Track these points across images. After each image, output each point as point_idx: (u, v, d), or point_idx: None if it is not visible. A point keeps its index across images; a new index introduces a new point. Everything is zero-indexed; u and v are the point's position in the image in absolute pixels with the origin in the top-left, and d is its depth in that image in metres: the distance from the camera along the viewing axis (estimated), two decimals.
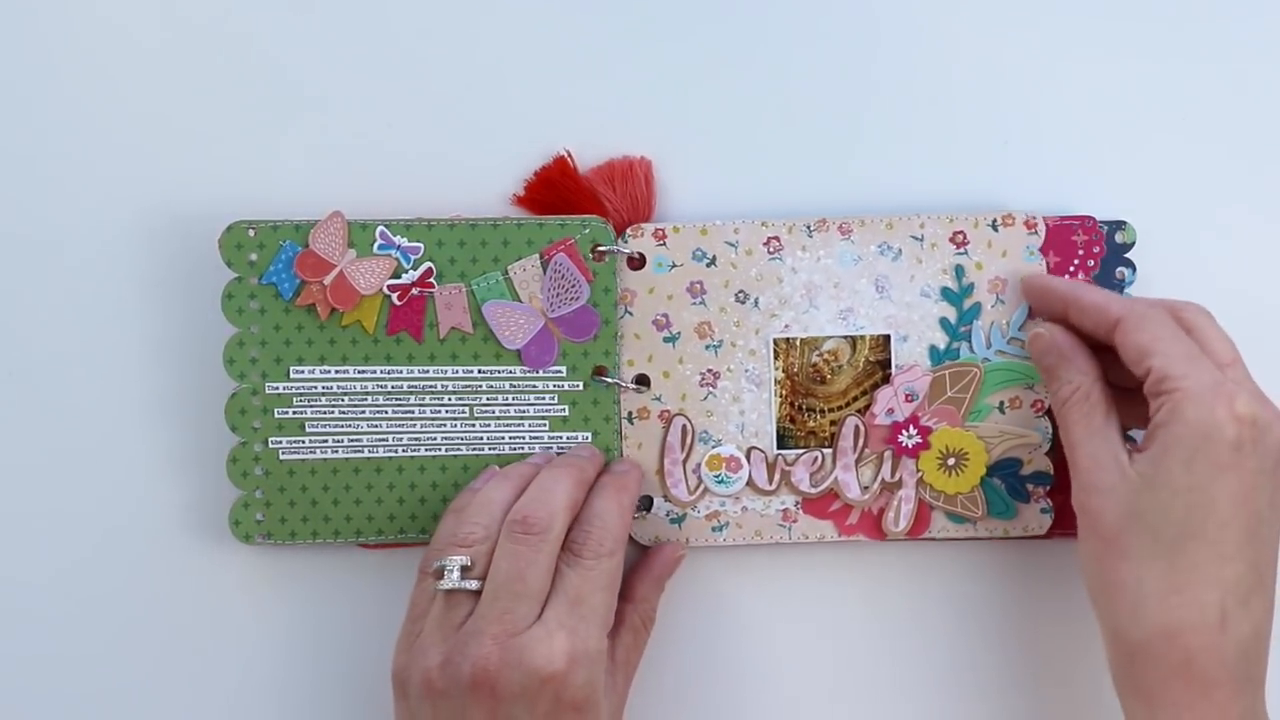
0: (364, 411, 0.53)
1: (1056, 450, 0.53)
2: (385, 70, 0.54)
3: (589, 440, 0.54)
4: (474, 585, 0.47)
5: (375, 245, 0.52)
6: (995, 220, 0.53)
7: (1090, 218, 0.53)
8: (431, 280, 0.53)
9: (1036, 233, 0.53)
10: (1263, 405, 0.46)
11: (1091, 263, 0.53)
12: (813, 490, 0.53)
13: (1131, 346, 0.47)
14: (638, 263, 0.53)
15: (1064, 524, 0.53)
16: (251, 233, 0.52)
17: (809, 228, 0.53)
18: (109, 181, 0.54)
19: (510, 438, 0.54)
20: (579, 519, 0.49)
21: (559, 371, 0.53)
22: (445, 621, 0.47)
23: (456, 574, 0.48)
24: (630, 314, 0.53)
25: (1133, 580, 0.45)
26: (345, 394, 0.53)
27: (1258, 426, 0.45)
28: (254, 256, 0.52)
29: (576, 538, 0.49)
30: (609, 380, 0.53)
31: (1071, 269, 0.53)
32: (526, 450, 0.54)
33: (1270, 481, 0.46)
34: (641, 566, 0.53)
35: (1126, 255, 0.54)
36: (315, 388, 0.53)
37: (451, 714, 0.46)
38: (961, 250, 0.53)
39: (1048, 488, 0.53)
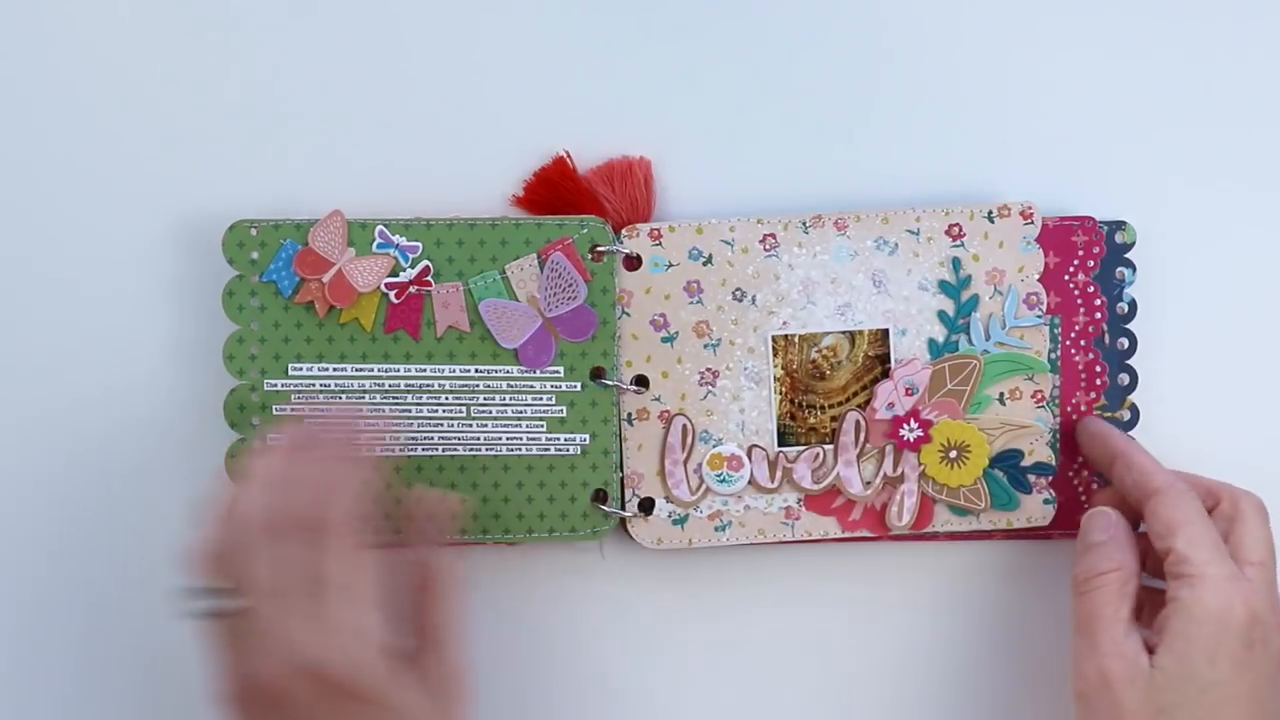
0: (361, 410, 0.53)
1: (1059, 441, 0.52)
2: (386, 72, 0.55)
3: (586, 442, 0.53)
4: (237, 603, 0.45)
5: (374, 244, 0.53)
6: (991, 211, 0.53)
7: (1090, 218, 0.54)
8: (429, 279, 0.53)
9: (1033, 223, 0.53)
10: (1272, 610, 0.47)
11: (1091, 263, 0.53)
12: (815, 487, 0.53)
13: (1161, 520, 0.48)
14: (634, 263, 0.53)
15: (1065, 523, 0.53)
16: (253, 231, 0.53)
17: (804, 224, 0.53)
18: (113, 182, 0.54)
19: (508, 438, 0.53)
20: (321, 501, 0.46)
21: (556, 372, 0.53)
22: (225, 638, 0.46)
23: (216, 599, 0.45)
24: (627, 314, 0.53)
25: None
26: (343, 391, 0.53)
27: (1265, 628, 0.46)
28: (255, 255, 0.53)
29: (310, 522, 0.46)
30: (608, 383, 0.53)
31: (1071, 269, 0.53)
32: (524, 452, 0.53)
33: (1270, 687, 0.47)
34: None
35: (1127, 255, 0.54)
36: (313, 385, 0.53)
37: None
38: (958, 243, 0.53)
39: (1050, 478, 0.52)
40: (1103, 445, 0.52)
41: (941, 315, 0.53)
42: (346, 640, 0.45)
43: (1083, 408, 0.53)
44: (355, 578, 0.46)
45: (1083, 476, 0.53)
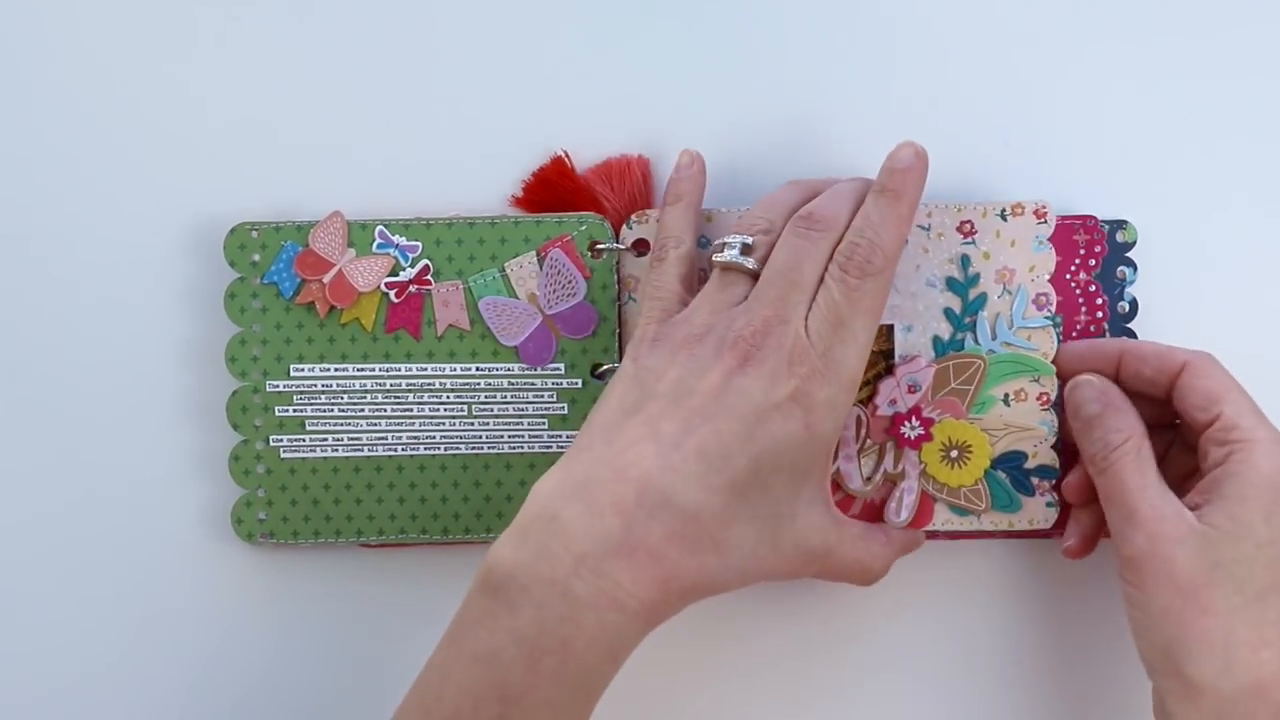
0: (363, 410, 0.53)
1: (1063, 445, 0.51)
2: (385, 74, 0.55)
3: None
4: (751, 264, 0.47)
5: (374, 244, 0.53)
6: (1004, 210, 0.52)
7: (1092, 217, 0.52)
8: (429, 278, 0.53)
9: (1046, 222, 0.52)
10: None
11: (1093, 262, 0.52)
12: None
13: (1200, 391, 0.47)
14: (643, 247, 0.53)
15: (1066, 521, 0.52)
16: (254, 234, 0.53)
17: None
18: (114, 186, 0.55)
19: (509, 436, 0.53)
20: (851, 227, 0.47)
21: (557, 369, 0.53)
22: (717, 298, 0.48)
23: (737, 250, 0.48)
24: (634, 300, 0.53)
25: (1221, 634, 0.44)
26: (345, 391, 0.53)
27: None
28: (257, 257, 0.53)
29: (844, 249, 0.47)
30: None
31: (1073, 268, 0.52)
32: (526, 449, 0.53)
33: None
34: (882, 529, 0.51)
35: (1128, 254, 0.53)
36: (315, 385, 0.53)
37: (690, 367, 0.46)
38: (969, 240, 0.52)
39: (1053, 481, 0.51)
40: (1099, 354, 0.50)
41: (948, 312, 0.52)
42: (829, 369, 0.46)
43: None
44: (868, 332, 0.47)
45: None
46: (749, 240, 0.48)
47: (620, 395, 0.47)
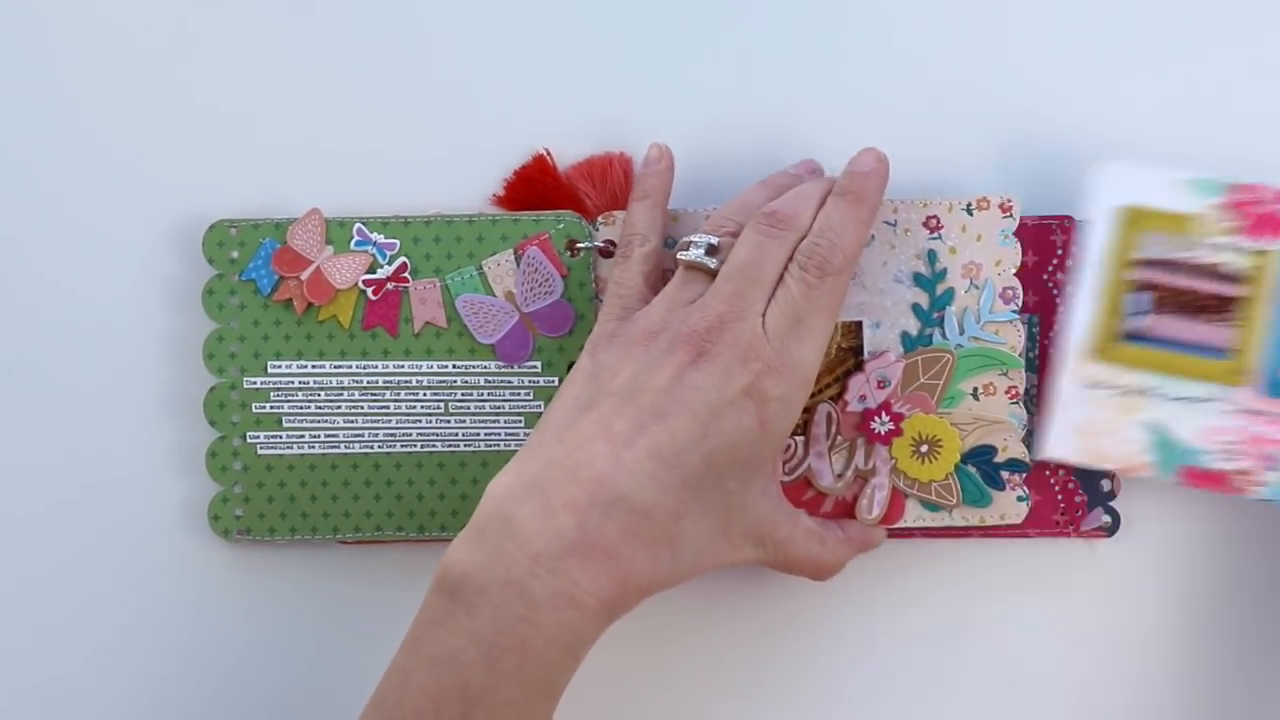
0: (340, 406, 0.54)
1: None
2: (367, 74, 0.55)
3: None
4: (714, 265, 0.48)
5: (352, 242, 0.54)
6: (970, 204, 0.53)
7: (1068, 216, 0.53)
8: (406, 275, 0.54)
9: (1011, 216, 0.52)
10: None
11: (1071, 261, 0.53)
12: (786, 478, 0.52)
13: None
14: (610, 250, 0.54)
15: (1041, 522, 0.52)
16: (233, 231, 0.53)
17: None
18: (94, 183, 0.55)
19: (486, 434, 0.54)
20: (813, 228, 0.48)
21: (534, 367, 0.54)
22: (676, 296, 0.48)
23: (702, 250, 0.48)
24: (601, 301, 0.54)
25: None
26: (321, 389, 0.54)
27: None
28: (235, 254, 0.53)
29: (804, 249, 0.48)
30: None
31: (1050, 267, 0.53)
32: (502, 447, 0.54)
33: None
34: (841, 525, 0.52)
35: None
36: (292, 382, 0.54)
37: (644, 363, 0.46)
38: (935, 235, 0.52)
39: (1024, 475, 0.52)
40: None
41: (916, 308, 0.52)
42: (784, 366, 0.46)
43: None
44: (825, 333, 0.47)
45: (1059, 475, 0.53)
46: (714, 241, 0.49)
47: (575, 392, 0.48)
